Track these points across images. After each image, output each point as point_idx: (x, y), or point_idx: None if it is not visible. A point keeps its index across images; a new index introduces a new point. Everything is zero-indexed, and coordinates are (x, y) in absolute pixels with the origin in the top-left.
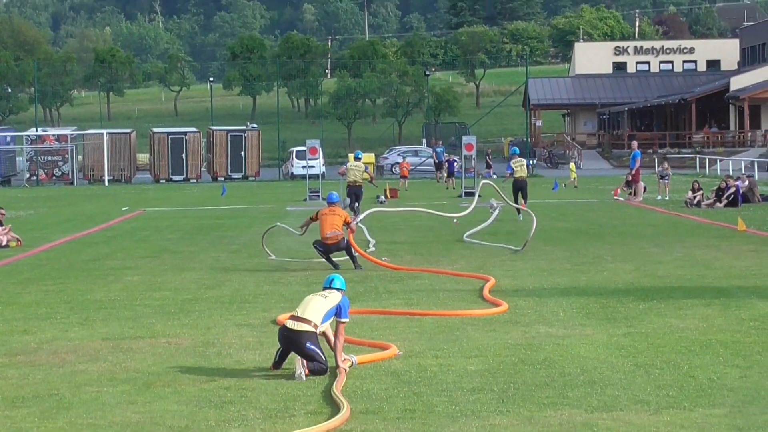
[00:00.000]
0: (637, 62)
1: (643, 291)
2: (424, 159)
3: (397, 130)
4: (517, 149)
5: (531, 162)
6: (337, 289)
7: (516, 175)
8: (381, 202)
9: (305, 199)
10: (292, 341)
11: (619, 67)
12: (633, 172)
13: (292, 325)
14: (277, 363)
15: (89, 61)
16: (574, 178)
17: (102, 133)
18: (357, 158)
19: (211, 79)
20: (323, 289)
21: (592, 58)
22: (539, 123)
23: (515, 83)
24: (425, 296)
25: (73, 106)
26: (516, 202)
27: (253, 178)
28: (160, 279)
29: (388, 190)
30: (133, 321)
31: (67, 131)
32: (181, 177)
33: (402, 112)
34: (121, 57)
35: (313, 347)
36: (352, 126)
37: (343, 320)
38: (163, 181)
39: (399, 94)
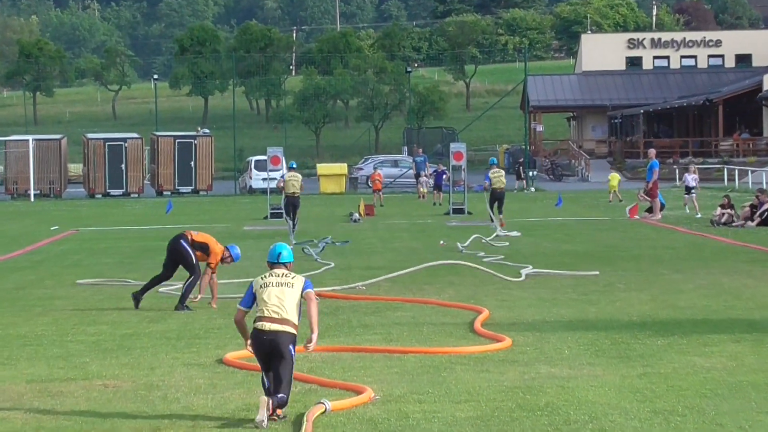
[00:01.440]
0: (655, 57)
1: (662, 324)
2: (405, 170)
3: (373, 137)
4: (494, 159)
5: (531, 173)
6: (286, 264)
7: (494, 186)
8: (355, 221)
9: (266, 217)
10: (273, 345)
11: (634, 62)
12: (650, 185)
13: (270, 326)
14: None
15: (12, 56)
16: (615, 192)
17: (27, 140)
18: (291, 168)
19: (156, 76)
20: (271, 267)
21: (602, 52)
22: (540, 128)
23: (512, 81)
24: (407, 331)
25: None
26: (493, 212)
27: (205, 193)
28: (95, 311)
29: (362, 207)
30: (63, 360)
31: None
32: (120, 191)
33: (379, 116)
34: (50, 51)
35: (293, 352)
36: (321, 131)
37: (310, 291)
38: (99, 195)
39: (376, 95)
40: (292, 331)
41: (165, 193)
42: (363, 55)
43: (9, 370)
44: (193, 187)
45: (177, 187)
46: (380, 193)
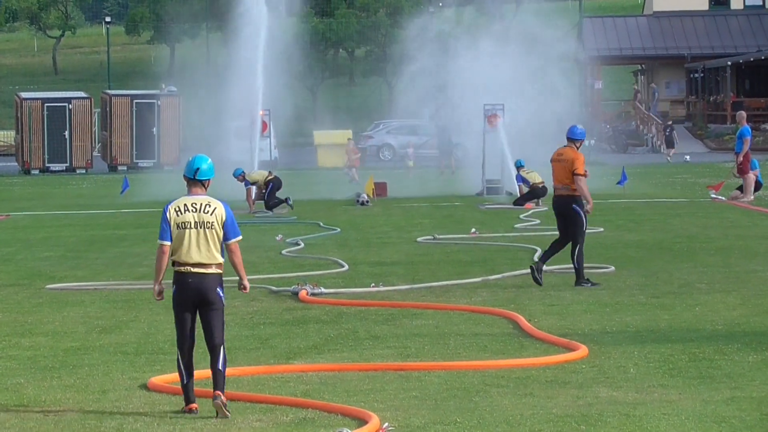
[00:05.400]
0: None
1: (755, 335)
2: (425, 139)
3: (386, 96)
4: (522, 161)
5: (588, 143)
6: (204, 182)
7: (534, 183)
8: (363, 203)
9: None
10: (201, 289)
11: (719, 1)
12: (740, 158)
13: (197, 269)
14: (188, 379)
15: None
16: None
17: None
18: (237, 175)
19: (108, 19)
20: (188, 184)
21: None
22: (599, 85)
23: (563, 25)
24: (428, 343)
25: None
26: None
27: (171, 168)
28: (31, 318)
29: (371, 185)
30: None
31: None
32: (63, 166)
33: (394, 69)
34: None
35: (222, 295)
36: (319, 89)
37: (235, 240)
38: (36, 171)
39: (389, 42)
40: (219, 272)
41: (120, 168)
42: None
43: None
44: (155, 161)
45: (135, 161)
46: (355, 170)
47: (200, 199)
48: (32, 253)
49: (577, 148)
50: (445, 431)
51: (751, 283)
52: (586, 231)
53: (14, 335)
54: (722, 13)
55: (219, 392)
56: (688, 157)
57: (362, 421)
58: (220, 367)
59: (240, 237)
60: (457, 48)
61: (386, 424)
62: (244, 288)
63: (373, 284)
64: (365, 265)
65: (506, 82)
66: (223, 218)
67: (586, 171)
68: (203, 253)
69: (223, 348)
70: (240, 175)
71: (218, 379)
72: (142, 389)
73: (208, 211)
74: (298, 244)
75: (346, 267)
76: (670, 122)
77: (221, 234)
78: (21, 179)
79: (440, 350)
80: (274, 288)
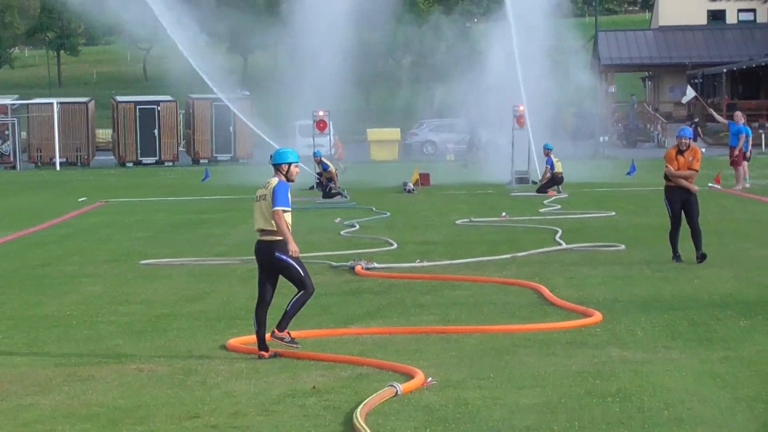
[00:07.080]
0: (739, 10)
1: (746, 304)
2: (462, 136)
3: (429, 98)
4: (550, 144)
5: (602, 139)
6: (279, 165)
7: (556, 171)
8: (409, 191)
9: (312, 188)
10: (263, 253)
11: (716, 16)
12: (736, 151)
13: (262, 236)
14: (258, 327)
15: (34, 11)
16: None
17: (52, 103)
18: (316, 155)
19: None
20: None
21: (681, 4)
22: (612, 89)
23: (581, 37)
24: (466, 311)
25: (13, 69)
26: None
27: (245, 161)
28: (127, 289)
29: (417, 175)
30: (94, 342)
31: (7, 101)
32: (153, 159)
33: (434, 76)
34: (75, 5)
35: (283, 257)
36: (372, 93)
37: (276, 209)
38: (131, 164)
39: (432, 53)
40: (279, 238)
41: (202, 161)
42: (417, 10)
43: (36, 353)
44: (231, 155)
45: (215, 155)
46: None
47: (270, 179)
48: (127, 234)
49: (678, 146)
50: (480, 385)
51: (742, 260)
52: (672, 217)
53: (113, 303)
54: (719, 27)
55: (276, 330)
56: (703, 149)
57: (409, 377)
58: (289, 308)
59: (280, 207)
60: (490, 57)
61: (430, 378)
62: (292, 252)
63: (418, 260)
64: (411, 244)
65: (532, 87)
66: (273, 190)
67: (669, 167)
68: (263, 221)
69: (302, 295)
70: (318, 157)
71: (281, 318)
72: (221, 349)
73: (267, 187)
74: (354, 226)
75: (396, 245)
76: (695, 119)
77: (272, 201)
78: (117, 171)
79: (476, 316)
80: (333, 263)
